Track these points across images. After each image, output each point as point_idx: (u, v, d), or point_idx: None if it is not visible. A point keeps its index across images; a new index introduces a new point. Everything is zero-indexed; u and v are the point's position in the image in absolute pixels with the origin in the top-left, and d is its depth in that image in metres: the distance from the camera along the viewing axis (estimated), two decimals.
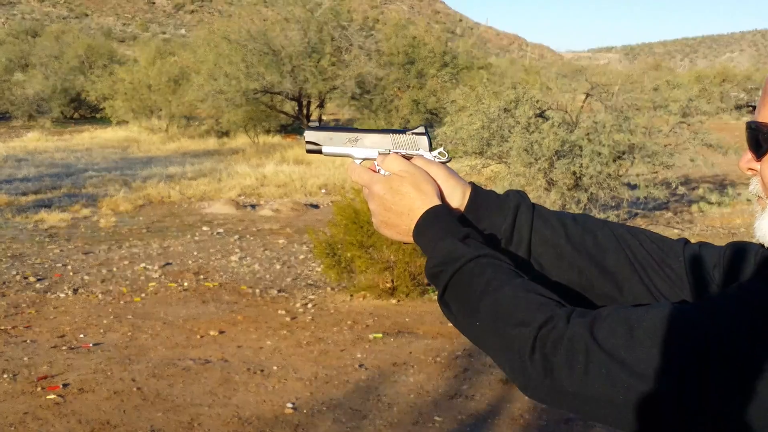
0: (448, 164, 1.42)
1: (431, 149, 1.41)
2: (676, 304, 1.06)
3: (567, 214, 1.39)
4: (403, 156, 1.39)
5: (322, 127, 1.47)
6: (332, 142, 1.46)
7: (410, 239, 1.33)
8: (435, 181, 1.35)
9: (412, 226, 1.31)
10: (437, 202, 1.31)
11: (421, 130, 1.42)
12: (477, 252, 1.20)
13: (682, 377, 0.97)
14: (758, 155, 1.15)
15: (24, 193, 14.36)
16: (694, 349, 0.97)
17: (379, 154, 1.42)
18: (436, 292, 1.25)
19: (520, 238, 1.34)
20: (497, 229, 1.35)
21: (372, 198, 1.37)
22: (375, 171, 1.41)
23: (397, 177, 1.34)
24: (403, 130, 1.43)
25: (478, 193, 1.38)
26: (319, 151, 1.47)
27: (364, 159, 1.44)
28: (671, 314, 1.01)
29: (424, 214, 1.30)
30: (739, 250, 1.27)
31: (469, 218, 1.36)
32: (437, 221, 1.28)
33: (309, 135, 1.46)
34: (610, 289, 1.32)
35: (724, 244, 1.31)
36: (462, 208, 1.37)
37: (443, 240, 1.24)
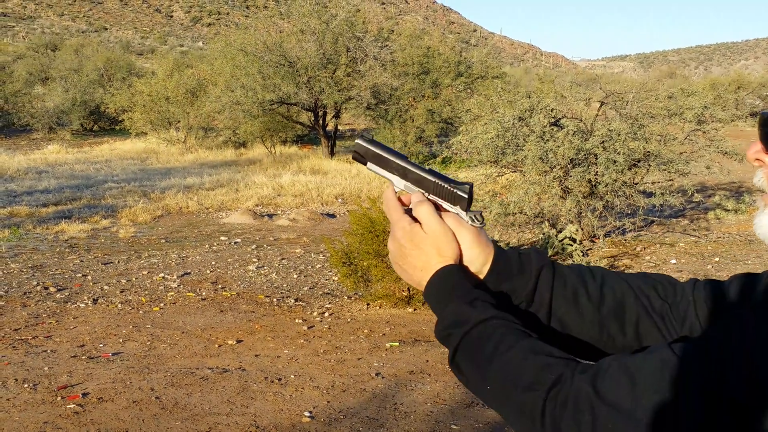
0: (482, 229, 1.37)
1: (469, 208, 1.36)
2: (674, 343, 1.04)
3: (584, 269, 1.37)
4: (437, 205, 1.36)
5: (375, 143, 1.44)
6: (379, 162, 1.43)
7: (421, 289, 1.32)
8: (459, 244, 1.32)
9: (424, 282, 1.30)
10: (452, 263, 1.29)
11: (466, 189, 1.36)
12: (485, 314, 1.18)
13: (688, 419, 0.95)
14: None
15: (44, 205, 14.51)
16: (699, 389, 0.96)
17: (414, 199, 1.37)
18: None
19: (542, 299, 1.32)
20: (518, 294, 1.33)
21: (393, 239, 1.35)
22: (407, 206, 1.37)
23: (422, 233, 1.31)
24: (450, 180, 1.37)
25: (500, 256, 1.34)
26: (364, 164, 1.45)
27: (402, 189, 1.40)
28: (671, 355, 1.00)
29: (435, 273, 1.28)
30: (747, 281, 1.24)
31: (491, 280, 1.33)
32: (447, 282, 1.26)
33: (360, 146, 1.43)
34: (630, 343, 1.30)
35: (728, 277, 1.30)
36: (482, 275, 1.33)
37: (452, 303, 1.23)
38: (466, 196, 1.36)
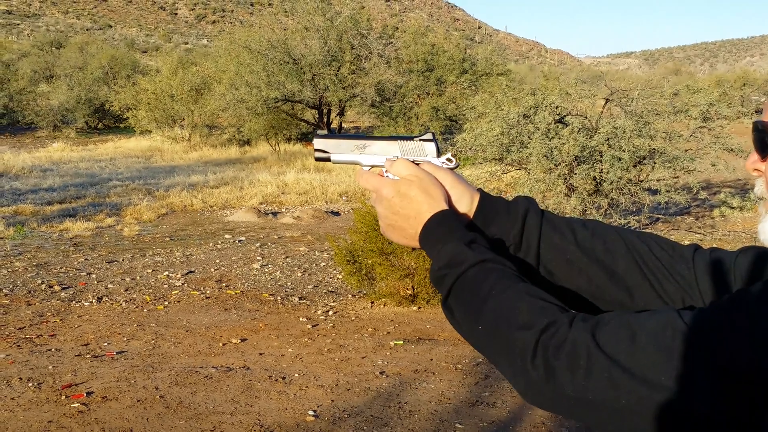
0: (455, 170, 1.41)
1: (439, 155, 1.41)
2: (680, 309, 1.03)
3: (576, 220, 1.37)
4: (412, 162, 1.39)
5: (331, 134, 1.47)
6: (340, 150, 1.46)
7: (416, 243, 1.33)
8: (443, 186, 1.34)
9: (419, 230, 1.30)
10: (444, 206, 1.30)
11: (429, 136, 1.41)
12: (482, 256, 1.19)
13: (685, 382, 0.95)
14: (763, 156, 1.16)
15: (49, 203, 14.53)
16: (699, 354, 0.95)
17: (387, 160, 1.41)
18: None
19: (529, 244, 1.33)
20: (506, 235, 1.33)
21: (380, 201, 1.36)
22: (383, 176, 1.40)
23: (406, 181, 1.33)
24: (410, 137, 1.42)
25: (486, 199, 1.37)
26: (328, 159, 1.47)
27: (372, 166, 1.44)
28: (675, 319, 1.00)
29: (431, 217, 1.29)
30: (760, 255, 1.23)
31: (478, 224, 1.35)
32: (443, 225, 1.27)
33: (318, 143, 1.47)
34: (620, 295, 1.29)
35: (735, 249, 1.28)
36: (470, 214, 1.35)
37: (448, 244, 1.23)
38: (433, 143, 1.40)
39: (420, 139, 1.41)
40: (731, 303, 1.00)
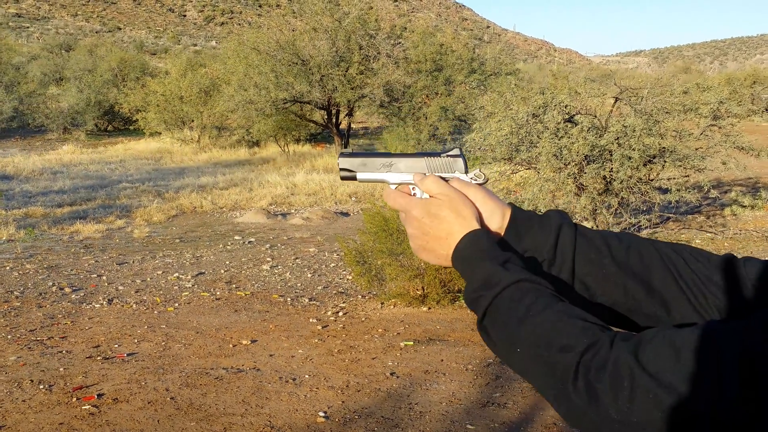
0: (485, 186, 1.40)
1: (467, 171, 1.39)
2: (723, 322, 1.02)
3: (610, 233, 1.33)
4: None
5: (356, 153, 1.45)
6: (366, 168, 1.44)
7: (449, 264, 1.30)
8: (474, 203, 1.32)
9: (451, 251, 1.29)
10: (476, 225, 1.28)
11: (456, 152, 1.39)
12: (517, 276, 1.17)
13: (732, 401, 0.93)
14: None
15: (59, 205, 14.58)
16: (745, 370, 0.93)
17: (416, 174, 1.39)
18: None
19: (563, 258, 1.30)
20: (539, 250, 1.31)
21: (410, 222, 1.34)
22: (410, 194, 1.39)
23: (436, 200, 1.31)
24: (437, 153, 1.40)
25: (518, 213, 1.34)
26: (354, 178, 1.45)
27: (400, 183, 1.42)
28: (719, 333, 0.97)
29: (463, 238, 1.27)
30: None
31: (510, 239, 1.32)
32: (476, 245, 1.25)
33: (343, 162, 1.45)
34: (657, 309, 1.26)
35: None
36: (501, 230, 1.33)
37: (482, 264, 1.21)
38: (461, 159, 1.39)
39: (447, 155, 1.40)
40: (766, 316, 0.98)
